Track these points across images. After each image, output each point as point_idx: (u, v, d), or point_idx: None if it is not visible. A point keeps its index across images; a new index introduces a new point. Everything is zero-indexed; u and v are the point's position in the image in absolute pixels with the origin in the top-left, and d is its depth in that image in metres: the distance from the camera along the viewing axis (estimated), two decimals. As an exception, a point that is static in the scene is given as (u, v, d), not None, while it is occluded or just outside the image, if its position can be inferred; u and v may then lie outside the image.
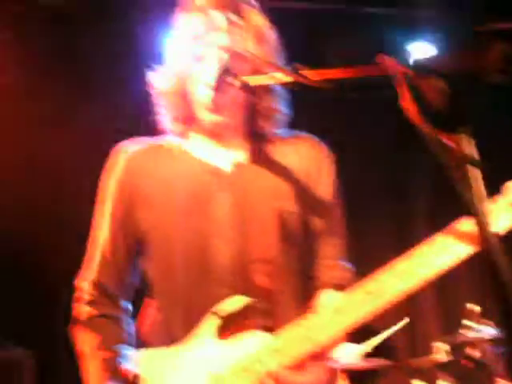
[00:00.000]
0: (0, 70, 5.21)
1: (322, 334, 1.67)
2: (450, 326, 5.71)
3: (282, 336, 1.74)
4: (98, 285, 2.04)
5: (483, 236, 1.14)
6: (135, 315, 2.08)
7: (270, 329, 1.81)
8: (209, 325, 1.83)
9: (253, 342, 1.78)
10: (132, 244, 2.03)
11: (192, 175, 2.00)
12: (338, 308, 1.68)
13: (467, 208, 1.12)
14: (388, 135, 6.44)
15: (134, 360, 1.93)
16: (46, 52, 5.33)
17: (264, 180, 1.99)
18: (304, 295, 2.00)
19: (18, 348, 4.91)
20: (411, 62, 1.21)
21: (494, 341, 4.66)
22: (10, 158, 5.17)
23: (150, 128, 2.16)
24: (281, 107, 2.08)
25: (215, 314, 1.82)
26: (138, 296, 2.09)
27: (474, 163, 1.13)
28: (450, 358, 4.84)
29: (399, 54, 5.69)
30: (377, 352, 4.70)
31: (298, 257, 1.99)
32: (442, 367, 4.95)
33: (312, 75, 1.39)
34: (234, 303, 1.82)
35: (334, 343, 1.77)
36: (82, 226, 2.17)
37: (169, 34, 2.09)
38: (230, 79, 1.86)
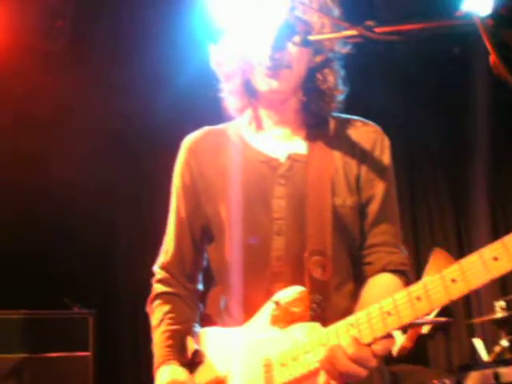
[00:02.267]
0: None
1: (368, 335, 1.64)
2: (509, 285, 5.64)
3: (332, 330, 1.72)
4: (165, 268, 2.14)
5: None
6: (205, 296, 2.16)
7: (321, 320, 1.82)
8: (266, 312, 1.87)
9: (304, 333, 1.78)
10: (197, 231, 2.10)
11: (249, 165, 2.02)
12: (386, 309, 1.62)
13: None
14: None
15: (197, 336, 2.01)
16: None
17: (318, 173, 1.97)
18: (356, 286, 1.99)
19: (82, 309, 5.30)
20: (491, 11, 1.14)
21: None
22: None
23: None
24: (341, 87, 2.06)
25: (274, 301, 1.85)
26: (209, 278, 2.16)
27: None
28: (508, 314, 4.79)
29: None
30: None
31: (351, 248, 1.98)
32: (502, 324, 4.90)
33: (385, 31, 1.34)
34: (291, 292, 1.84)
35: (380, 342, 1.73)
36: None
37: (230, 4, 2.07)
38: (288, 36, 1.82)
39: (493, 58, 1.10)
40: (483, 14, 1.16)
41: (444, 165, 6.86)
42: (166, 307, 2.07)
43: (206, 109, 2.37)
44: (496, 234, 6.50)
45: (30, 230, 5.60)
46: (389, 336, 1.65)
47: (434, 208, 6.76)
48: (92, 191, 5.64)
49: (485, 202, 6.63)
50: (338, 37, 1.80)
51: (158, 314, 2.08)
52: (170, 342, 2.00)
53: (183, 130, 2.21)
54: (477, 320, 5.16)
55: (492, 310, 4.91)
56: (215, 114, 2.18)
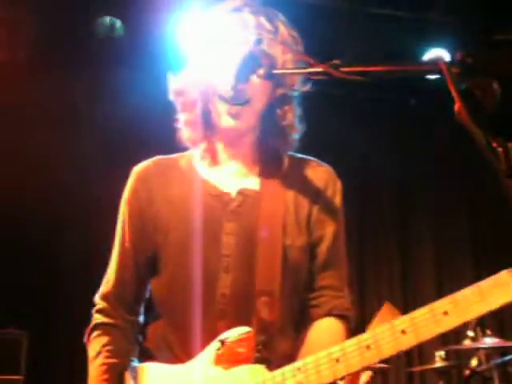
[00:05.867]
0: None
1: (315, 381, 1.63)
2: (452, 335, 5.69)
3: (278, 374, 1.70)
4: (105, 298, 2.06)
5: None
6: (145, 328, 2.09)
7: (266, 361, 1.79)
8: (210, 350, 1.82)
9: (248, 375, 1.75)
10: (142, 261, 2.03)
11: (200, 198, 1.97)
12: (335, 356, 1.62)
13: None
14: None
15: (135, 371, 1.93)
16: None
17: (269, 210, 1.94)
18: (302, 327, 1.96)
19: (16, 329, 5.17)
20: (458, 59, 1.14)
21: (491, 350, 4.64)
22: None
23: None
24: (299, 126, 2.04)
25: (219, 341, 1.81)
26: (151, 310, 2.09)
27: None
28: (447, 364, 4.84)
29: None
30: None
31: (298, 289, 1.96)
32: (441, 374, 4.94)
33: (350, 70, 1.33)
34: (237, 332, 1.81)
35: None
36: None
37: (194, 33, 2.05)
38: (252, 68, 1.79)
39: (457, 105, 1.10)
40: (449, 61, 1.16)
41: (392, 211, 6.98)
42: (105, 339, 1.99)
43: (160, 136, 2.32)
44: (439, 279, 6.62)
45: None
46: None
47: (381, 252, 6.86)
48: (38, 208, 5.51)
49: (430, 248, 6.74)
50: (303, 72, 1.79)
51: (95, 345, 1.99)
52: (106, 375, 1.92)
53: (138, 151, 2.15)
54: (416, 368, 5.18)
55: (432, 359, 4.95)
56: (171, 142, 2.12)
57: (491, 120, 1.10)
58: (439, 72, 1.18)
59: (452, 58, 1.21)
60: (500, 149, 1.13)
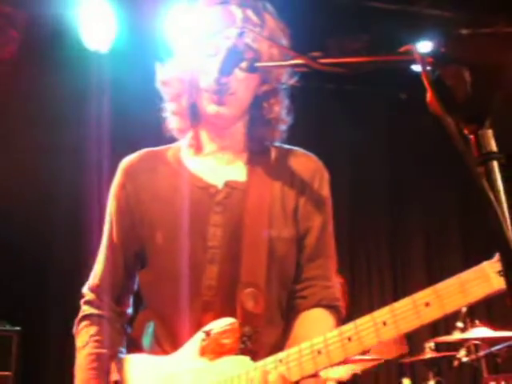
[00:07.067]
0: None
1: (297, 372, 1.65)
2: (442, 326, 5.72)
3: (261, 365, 1.70)
4: (94, 290, 2.08)
5: (502, 241, 1.04)
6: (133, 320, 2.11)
7: (251, 352, 1.80)
8: (195, 341, 1.84)
9: (232, 366, 1.76)
10: (130, 255, 2.04)
11: (186, 191, 1.98)
12: (316, 347, 1.62)
13: (489, 207, 1.05)
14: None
15: (121, 362, 1.95)
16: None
17: (256, 202, 1.95)
18: (290, 319, 1.97)
19: (7, 325, 5.14)
20: (432, 49, 1.15)
21: (480, 341, 4.68)
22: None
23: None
24: (287, 118, 2.06)
25: (204, 332, 1.83)
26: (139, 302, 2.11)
27: (498, 160, 1.07)
28: (436, 355, 4.87)
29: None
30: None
31: (285, 281, 1.97)
32: (430, 365, 4.96)
33: (328, 62, 1.34)
34: (222, 323, 1.82)
35: (307, 380, 1.72)
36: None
37: (182, 26, 2.05)
38: (236, 62, 1.80)
39: (429, 95, 1.11)
40: (424, 51, 1.17)
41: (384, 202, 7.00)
42: (93, 329, 2.00)
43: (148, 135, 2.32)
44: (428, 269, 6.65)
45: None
46: (316, 375, 1.65)
47: (371, 239, 6.89)
48: (31, 204, 5.50)
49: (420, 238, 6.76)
50: (284, 65, 1.80)
51: (83, 336, 2.00)
52: (94, 364, 1.93)
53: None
54: (406, 360, 5.21)
55: (422, 350, 4.97)
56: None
57: (463, 108, 1.11)
58: (413, 61, 1.19)
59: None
60: (471, 136, 1.14)
